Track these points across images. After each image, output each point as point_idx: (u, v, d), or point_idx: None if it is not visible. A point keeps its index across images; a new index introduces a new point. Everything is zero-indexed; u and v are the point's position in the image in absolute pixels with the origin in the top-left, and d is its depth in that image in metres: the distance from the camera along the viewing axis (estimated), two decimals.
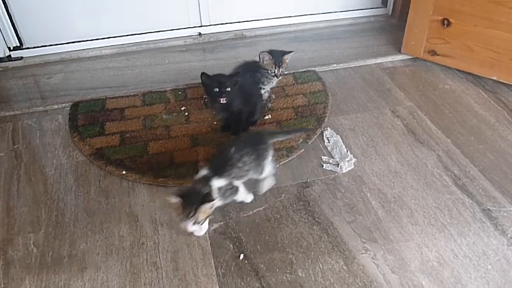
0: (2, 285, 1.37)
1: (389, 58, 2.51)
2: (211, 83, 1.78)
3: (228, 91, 1.77)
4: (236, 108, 1.87)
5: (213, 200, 1.39)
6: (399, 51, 2.54)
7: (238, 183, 1.51)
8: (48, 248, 1.48)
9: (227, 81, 1.78)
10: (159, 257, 1.44)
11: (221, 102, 1.78)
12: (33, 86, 2.36)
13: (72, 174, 1.78)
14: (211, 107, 2.03)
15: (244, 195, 1.57)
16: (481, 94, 2.20)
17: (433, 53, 2.40)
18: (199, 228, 1.44)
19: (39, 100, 2.22)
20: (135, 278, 1.38)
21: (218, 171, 1.46)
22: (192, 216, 1.36)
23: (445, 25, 2.28)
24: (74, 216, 1.60)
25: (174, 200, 1.36)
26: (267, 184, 1.65)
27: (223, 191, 1.46)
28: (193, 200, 1.37)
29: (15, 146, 1.94)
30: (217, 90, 1.76)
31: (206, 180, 1.45)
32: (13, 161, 1.86)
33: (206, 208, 1.38)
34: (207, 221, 1.46)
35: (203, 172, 1.49)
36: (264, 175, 1.61)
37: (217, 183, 1.45)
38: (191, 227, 1.40)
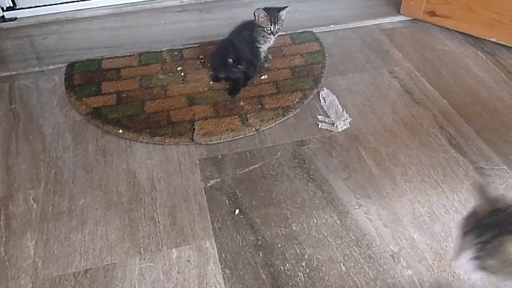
0: (4, 239, 1.41)
1: (388, 19, 2.48)
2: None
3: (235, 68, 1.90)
4: (243, 69, 1.94)
5: None
6: (398, 12, 2.50)
7: None
8: (48, 204, 1.51)
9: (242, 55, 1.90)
10: (157, 212, 1.47)
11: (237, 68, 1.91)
12: (28, 46, 2.33)
13: (70, 133, 1.79)
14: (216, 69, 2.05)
15: None
16: (479, 56, 2.19)
17: (433, 14, 2.37)
18: None
19: (35, 60, 2.20)
20: (134, 232, 1.41)
21: None
22: None
23: None
24: (73, 173, 1.62)
25: None
26: None
27: None
28: None
29: (12, 106, 1.94)
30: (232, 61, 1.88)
31: None
32: (11, 120, 1.86)
33: None
34: None
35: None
36: None
37: None
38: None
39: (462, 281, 1.27)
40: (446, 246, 1.35)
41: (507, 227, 0.87)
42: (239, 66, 1.89)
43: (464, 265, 0.94)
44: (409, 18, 2.47)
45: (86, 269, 1.31)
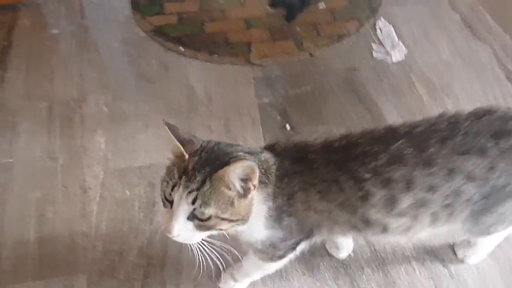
0: (80, 133, 1.58)
1: None
2: None
3: None
4: None
5: None
6: None
7: None
8: (116, 108, 1.67)
9: None
10: (213, 122, 1.59)
11: None
12: None
13: (135, 48, 1.91)
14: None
15: None
16: None
17: None
18: None
19: None
20: None
21: None
22: None
23: None
24: (138, 83, 1.76)
25: None
26: None
27: None
28: None
29: (83, 20, 2.08)
30: None
31: None
32: (82, 33, 2.01)
33: None
34: None
35: None
36: None
37: None
38: None
39: None
40: None
41: (216, 162, 0.79)
42: None
43: (182, 232, 0.79)
44: None
45: (150, 164, 1.47)
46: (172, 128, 0.83)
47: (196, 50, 1.85)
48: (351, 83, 1.69)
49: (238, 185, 0.78)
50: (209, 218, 0.78)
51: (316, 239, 0.99)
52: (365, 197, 0.85)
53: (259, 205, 0.85)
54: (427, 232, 0.98)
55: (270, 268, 1.07)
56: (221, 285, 1.18)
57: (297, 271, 1.21)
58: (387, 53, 1.80)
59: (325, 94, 1.66)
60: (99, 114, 1.65)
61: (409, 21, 1.95)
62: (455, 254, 1.20)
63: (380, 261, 1.21)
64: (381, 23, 1.93)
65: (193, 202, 0.77)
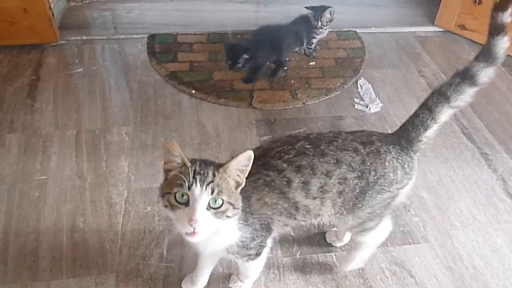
0: (105, 158, 1.83)
1: (422, 28, 2.83)
2: (227, 55, 2.18)
3: (239, 63, 2.14)
4: (260, 61, 2.23)
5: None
6: (432, 23, 2.85)
7: None
8: (136, 138, 1.93)
9: (239, 55, 2.13)
10: (221, 154, 1.87)
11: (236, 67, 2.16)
12: (115, 17, 2.77)
13: (152, 89, 2.21)
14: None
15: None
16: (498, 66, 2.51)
17: (463, 27, 2.71)
18: None
19: (121, 29, 2.64)
20: None
21: None
22: None
23: (477, 3, 2.58)
24: (155, 118, 2.04)
25: None
26: None
27: None
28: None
29: (104, 63, 2.37)
30: (230, 63, 2.16)
31: None
32: (103, 74, 2.30)
33: None
34: None
35: None
36: None
37: None
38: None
39: (458, 229, 1.63)
40: (448, 204, 1.72)
41: (213, 164, 1.01)
42: (236, 65, 2.16)
43: (203, 222, 0.97)
44: (442, 30, 2.81)
45: None
46: (170, 145, 1.00)
47: (206, 94, 2.16)
48: (336, 128, 2.03)
49: (236, 175, 1.01)
50: (221, 204, 0.99)
51: (274, 234, 1.25)
52: (288, 183, 1.13)
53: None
54: (330, 219, 1.25)
55: (255, 266, 1.31)
56: (231, 285, 1.41)
57: (293, 276, 1.46)
58: (366, 106, 2.16)
59: None
60: (122, 143, 1.90)
61: (384, 81, 2.34)
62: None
63: (361, 270, 1.49)
64: (362, 81, 2.32)
65: (212, 192, 0.97)
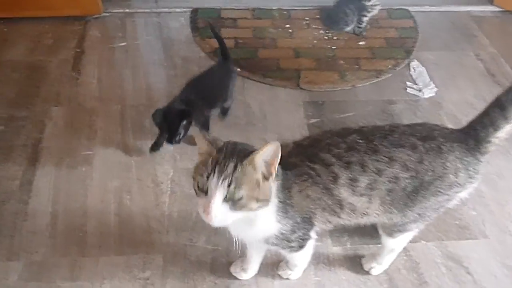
0: (150, 135, 1.78)
1: (480, 8, 2.65)
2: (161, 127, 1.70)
3: (179, 133, 1.66)
4: (202, 119, 1.76)
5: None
6: (491, 2, 2.66)
7: None
8: None
9: (177, 123, 1.65)
10: (267, 136, 1.82)
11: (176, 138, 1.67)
12: None
13: (196, 66, 2.15)
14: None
15: None
16: None
17: None
18: None
19: (163, 2, 2.57)
20: None
21: None
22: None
23: None
24: None
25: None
26: None
27: None
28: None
29: (147, 38, 2.33)
30: (168, 136, 1.67)
31: None
32: (148, 48, 2.25)
33: None
34: None
35: None
36: None
37: None
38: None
39: None
40: (508, 199, 1.62)
41: (241, 153, 0.96)
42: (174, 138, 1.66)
43: (219, 213, 0.94)
44: (501, 9, 2.62)
45: None
46: (202, 132, 1.03)
47: (251, 72, 2.09)
48: (388, 113, 1.93)
49: (263, 167, 0.95)
50: (241, 198, 0.95)
51: (316, 228, 1.19)
52: (335, 178, 1.07)
53: (273, 197, 1.04)
54: (376, 218, 1.18)
55: (300, 257, 1.28)
56: (279, 272, 1.38)
57: (343, 266, 1.42)
58: (420, 90, 2.04)
59: (365, 121, 1.89)
60: None
61: (439, 64, 2.21)
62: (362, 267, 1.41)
63: (414, 264, 1.42)
64: (415, 64, 2.19)
65: (229, 186, 0.93)
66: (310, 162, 1.08)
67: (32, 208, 1.54)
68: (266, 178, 0.97)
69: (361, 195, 1.09)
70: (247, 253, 1.34)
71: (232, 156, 0.95)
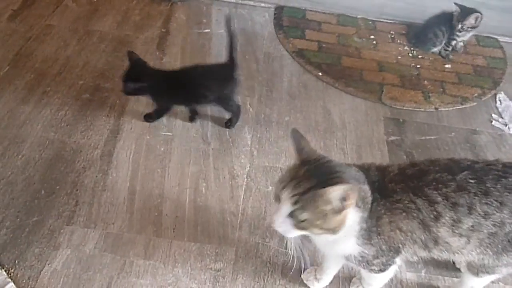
0: (227, 129, 1.79)
1: None
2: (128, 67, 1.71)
3: (129, 86, 1.67)
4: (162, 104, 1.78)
5: None
6: None
7: None
8: (261, 111, 1.88)
9: (137, 77, 1.68)
10: (346, 146, 1.78)
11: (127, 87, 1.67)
12: None
13: (278, 63, 2.14)
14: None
15: None
16: None
17: None
18: None
19: None
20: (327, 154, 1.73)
21: None
22: None
23: None
24: (280, 95, 1.97)
25: None
26: None
27: None
28: None
29: (232, 28, 2.32)
30: (125, 78, 1.68)
31: None
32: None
33: None
34: None
35: None
36: None
37: None
38: None
39: None
40: None
41: (321, 178, 0.92)
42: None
43: (282, 225, 0.95)
44: None
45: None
46: (295, 136, 1.01)
47: (333, 79, 2.06)
48: (471, 143, 1.86)
49: (335, 203, 0.91)
50: (303, 220, 0.93)
51: (402, 256, 1.13)
52: (437, 217, 1.01)
53: (353, 225, 1.00)
54: (467, 257, 1.12)
55: (378, 279, 1.24)
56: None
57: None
58: (505, 124, 1.96)
59: (447, 147, 1.83)
60: (246, 113, 1.86)
61: None
62: None
63: None
64: (502, 96, 2.11)
65: (295, 204, 0.92)
66: (413, 195, 1.03)
67: (111, 180, 1.57)
68: (337, 212, 0.93)
69: (461, 235, 1.04)
70: (323, 263, 1.31)
71: (312, 176, 0.93)
